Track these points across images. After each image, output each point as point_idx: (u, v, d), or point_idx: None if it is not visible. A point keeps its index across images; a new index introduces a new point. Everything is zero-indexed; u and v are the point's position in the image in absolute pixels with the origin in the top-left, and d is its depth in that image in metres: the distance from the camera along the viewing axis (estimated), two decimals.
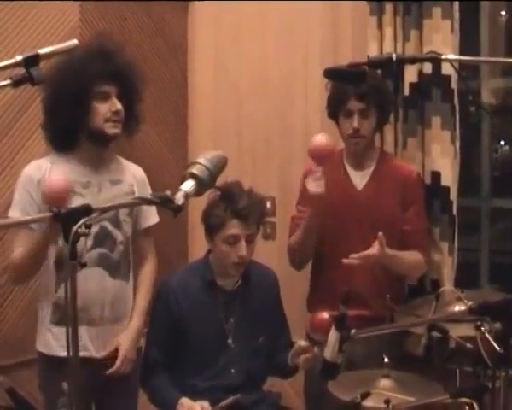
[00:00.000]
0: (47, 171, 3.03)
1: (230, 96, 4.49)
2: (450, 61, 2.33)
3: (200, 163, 2.10)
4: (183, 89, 4.63)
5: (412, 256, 3.40)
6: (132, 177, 3.24)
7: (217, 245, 3.22)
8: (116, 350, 3.12)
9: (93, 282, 3.03)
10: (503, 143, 4.59)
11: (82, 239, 1.87)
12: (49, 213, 1.90)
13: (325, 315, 2.94)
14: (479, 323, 2.48)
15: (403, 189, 3.41)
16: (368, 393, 2.61)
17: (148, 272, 3.32)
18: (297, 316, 3.74)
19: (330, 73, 2.28)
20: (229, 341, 3.26)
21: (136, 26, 4.25)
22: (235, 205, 3.15)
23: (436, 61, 2.15)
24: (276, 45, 4.28)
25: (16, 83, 2.08)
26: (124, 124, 3.10)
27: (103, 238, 3.08)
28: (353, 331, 2.29)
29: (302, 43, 4.16)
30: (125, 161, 3.29)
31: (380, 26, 3.72)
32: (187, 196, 2.04)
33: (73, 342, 1.87)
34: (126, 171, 3.24)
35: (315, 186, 3.20)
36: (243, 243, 3.16)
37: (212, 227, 3.22)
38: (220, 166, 2.16)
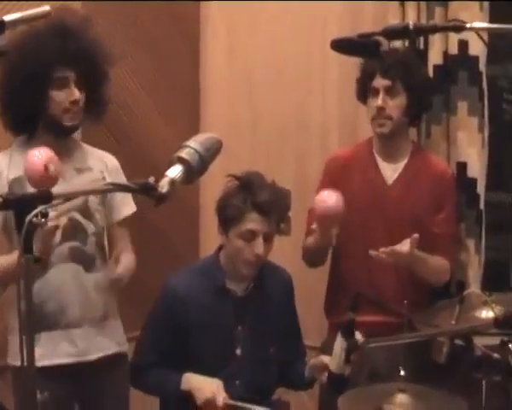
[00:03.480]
0: (5, 164, 2.86)
1: (244, 86, 4.34)
2: (477, 31, 2.07)
3: (189, 146, 1.88)
4: (195, 79, 4.46)
5: (438, 262, 3.23)
6: (103, 164, 3.02)
7: (231, 240, 2.98)
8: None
9: (67, 279, 2.86)
10: None
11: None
12: None
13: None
14: (506, 339, 2.21)
15: (436, 188, 3.26)
16: (380, 408, 2.38)
17: (128, 259, 3.05)
18: (313, 318, 3.64)
19: (337, 45, 2.05)
20: (238, 350, 3.06)
21: (148, 13, 4.05)
22: (256, 197, 2.92)
23: (460, 29, 1.90)
24: (293, 33, 4.11)
25: None
26: (87, 111, 2.91)
27: (73, 231, 2.87)
28: (361, 340, 2.10)
29: (320, 32, 3.98)
30: (93, 149, 3.09)
31: (402, 5, 3.53)
32: (173, 183, 1.82)
33: (29, 348, 1.63)
34: (95, 158, 3.03)
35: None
36: (261, 241, 2.93)
37: (227, 219, 2.98)
38: (213, 150, 1.94)
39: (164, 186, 1.80)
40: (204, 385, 2.90)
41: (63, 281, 2.83)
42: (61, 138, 2.89)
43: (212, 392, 2.85)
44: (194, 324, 3.02)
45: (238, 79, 4.36)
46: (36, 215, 1.61)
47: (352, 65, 3.37)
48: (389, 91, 3.14)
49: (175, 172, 1.83)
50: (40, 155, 2.51)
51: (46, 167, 2.47)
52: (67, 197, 1.72)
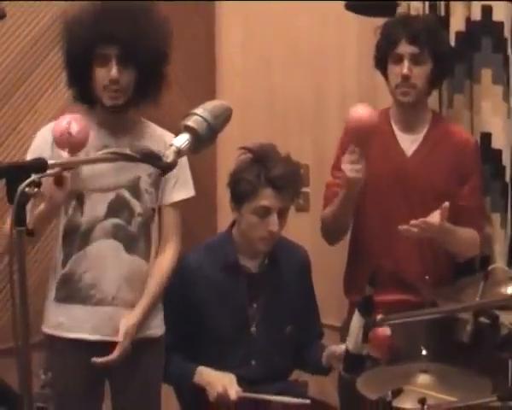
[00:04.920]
0: None
1: (261, 63, 4.34)
2: None
3: (197, 114, 1.82)
4: (212, 59, 4.51)
5: (468, 234, 3.15)
6: (163, 143, 2.90)
7: (244, 216, 2.96)
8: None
9: (105, 256, 2.84)
10: None
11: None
12: None
13: (387, 332, 2.67)
14: None
15: (459, 159, 3.17)
16: (400, 390, 2.30)
17: (167, 257, 3.01)
18: (332, 298, 3.59)
19: (353, 6, 1.95)
20: (253, 329, 3.03)
21: None
22: (269, 172, 2.89)
23: None
24: (310, 9, 4.05)
25: None
26: (139, 90, 2.85)
27: (119, 208, 2.85)
28: (380, 317, 2.01)
29: (337, 7, 3.89)
30: (155, 127, 3.04)
31: None
32: (179, 152, 1.77)
33: (23, 327, 1.56)
34: (155, 136, 2.96)
35: (351, 171, 2.90)
36: (275, 217, 2.90)
37: (240, 194, 2.95)
38: (223, 118, 1.87)
39: (169, 156, 1.74)
40: (216, 380, 2.88)
41: (102, 256, 2.82)
42: (114, 114, 2.86)
43: (224, 386, 2.82)
44: (205, 300, 3.01)
45: (254, 57, 4.40)
46: (29, 185, 1.52)
47: (368, 39, 3.27)
48: (414, 58, 3.06)
49: (181, 140, 1.78)
50: (65, 116, 2.56)
51: (68, 125, 2.49)
52: (64, 167, 1.63)
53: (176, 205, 3.01)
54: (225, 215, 4.17)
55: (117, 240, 2.86)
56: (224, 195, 4.28)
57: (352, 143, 2.92)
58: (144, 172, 2.88)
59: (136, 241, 2.90)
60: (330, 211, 3.17)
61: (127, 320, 2.85)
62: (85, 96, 2.87)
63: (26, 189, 1.51)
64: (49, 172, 1.56)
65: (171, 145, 1.76)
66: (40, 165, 1.56)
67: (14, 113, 3.52)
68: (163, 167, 1.74)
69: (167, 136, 2.98)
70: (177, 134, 1.81)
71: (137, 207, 2.89)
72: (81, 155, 2.64)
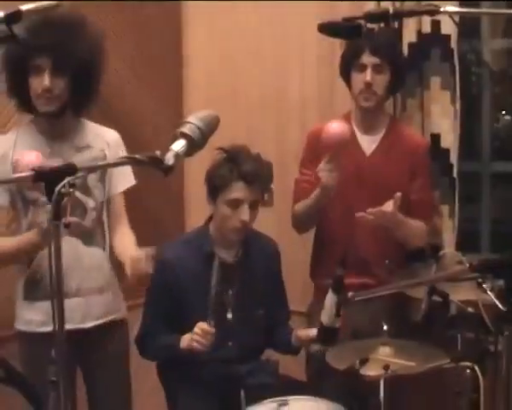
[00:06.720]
0: (10, 146, 2.97)
1: (225, 62, 4.43)
2: (450, 14, 2.25)
3: (191, 122, 2.04)
4: (178, 57, 4.56)
5: (416, 225, 3.35)
6: (103, 141, 3.11)
7: (218, 208, 3.13)
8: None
9: (66, 252, 2.87)
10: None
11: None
12: (31, 173, 1.82)
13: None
14: (480, 280, 2.39)
15: (412, 158, 3.37)
16: (366, 359, 2.57)
17: (125, 232, 3.18)
18: (297, 284, 3.73)
19: (324, 28, 2.20)
20: (229, 314, 3.20)
21: None
22: (241, 167, 3.07)
23: (435, 13, 2.07)
24: (271, 9, 4.18)
25: None
26: (73, 97, 2.97)
27: (73, 207, 2.93)
28: (351, 294, 2.24)
29: (298, 6, 4.05)
30: (94, 126, 3.17)
31: (378, 5, 3.63)
32: (177, 156, 1.98)
33: (59, 310, 1.79)
34: (96, 135, 3.12)
35: (327, 178, 3.14)
36: (246, 208, 3.07)
37: (215, 188, 3.12)
38: (212, 125, 2.11)
39: (170, 159, 1.95)
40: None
41: (63, 254, 2.89)
42: (54, 119, 2.97)
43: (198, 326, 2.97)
44: (185, 290, 3.15)
45: (219, 56, 4.44)
46: (63, 186, 1.78)
47: (328, 42, 3.48)
48: (376, 68, 3.25)
49: (179, 145, 1.99)
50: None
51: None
52: (89, 171, 1.89)
53: (121, 194, 3.20)
54: (192, 214, 4.39)
55: (74, 236, 2.98)
56: (190, 195, 4.42)
57: (328, 153, 3.12)
58: None
59: (93, 234, 3.07)
60: (304, 207, 3.37)
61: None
62: (26, 104, 2.97)
63: (62, 189, 1.78)
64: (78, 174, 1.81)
65: (171, 150, 1.97)
66: (71, 169, 1.82)
67: None
68: (165, 170, 1.95)
69: (107, 132, 3.17)
70: (172, 140, 2.01)
71: (90, 203, 3.04)
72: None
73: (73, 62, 2.89)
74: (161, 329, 3.19)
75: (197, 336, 2.95)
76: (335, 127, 3.12)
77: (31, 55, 2.85)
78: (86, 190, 3.04)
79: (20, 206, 3.00)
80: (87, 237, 3.05)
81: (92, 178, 3.03)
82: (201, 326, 2.95)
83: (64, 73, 2.90)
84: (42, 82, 2.86)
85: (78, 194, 2.99)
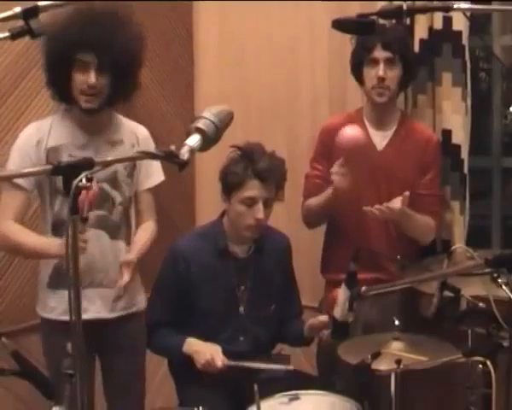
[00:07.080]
0: (45, 132, 3.00)
1: (236, 60, 4.42)
2: (463, 11, 2.26)
3: (205, 117, 2.03)
4: (190, 54, 4.54)
5: (425, 220, 3.36)
6: (134, 137, 3.16)
7: (233, 205, 3.13)
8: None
9: (93, 244, 2.94)
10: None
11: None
12: (49, 166, 1.83)
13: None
14: (495, 275, 2.39)
15: (422, 153, 3.38)
16: (378, 353, 2.56)
17: (148, 225, 3.25)
18: (308, 279, 3.73)
19: (338, 24, 2.21)
20: (241, 309, 3.21)
21: None
22: (256, 165, 3.07)
23: (448, 10, 2.08)
24: (282, 8, 4.18)
25: (14, 35, 1.98)
26: (114, 94, 3.00)
27: (101, 200, 3.02)
28: (364, 288, 2.25)
29: (309, 5, 4.06)
30: (127, 121, 3.21)
31: None
32: (192, 150, 1.98)
33: (76, 302, 1.80)
34: (127, 131, 3.16)
35: (340, 181, 3.16)
36: (261, 206, 3.07)
37: (229, 186, 3.12)
38: (226, 120, 2.10)
39: (185, 154, 1.95)
40: (203, 349, 3.06)
41: (90, 246, 2.87)
42: (90, 114, 2.99)
43: (211, 354, 3.00)
44: (197, 283, 3.17)
45: (229, 54, 4.43)
46: (81, 180, 1.78)
47: (339, 40, 3.45)
48: (388, 62, 3.26)
49: (193, 140, 1.98)
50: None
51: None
52: (106, 165, 1.91)
53: (149, 190, 3.24)
54: (203, 210, 4.38)
55: (101, 229, 3.05)
56: (201, 191, 4.43)
57: (342, 156, 3.14)
58: (120, 165, 3.07)
59: (119, 227, 3.11)
60: (314, 205, 3.40)
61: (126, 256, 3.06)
62: (63, 96, 3.00)
63: (80, 183, 1.78)
64: (96, 168, 1.83)
65: (186, 145, 1.97)
66: (89, 163, 1.84)
67: (10, 113, 3.56)
68: (181, 164, 1.95)
69: (138, 128, 3.21)
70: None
71: (118, 197, 3.09)
72: (64, 156, 2.90)
73: (118, 60, 2.91)
74: (169, 320, 3.20)
75: (207, 365, 3.01)
76: (351, 132, 3.15)
77: (77, 50, 2.87)
78: (115, 185, 3.09)
79: (46, 194, 3.03)
80: (114, 230, 3.10)
81: (122, 173, 3.09)
82: (213, 360, 2.99)
83: (108, 71, 2.93)
84: (87, 79, 2.89)
85: (106, 187, 3.05)
